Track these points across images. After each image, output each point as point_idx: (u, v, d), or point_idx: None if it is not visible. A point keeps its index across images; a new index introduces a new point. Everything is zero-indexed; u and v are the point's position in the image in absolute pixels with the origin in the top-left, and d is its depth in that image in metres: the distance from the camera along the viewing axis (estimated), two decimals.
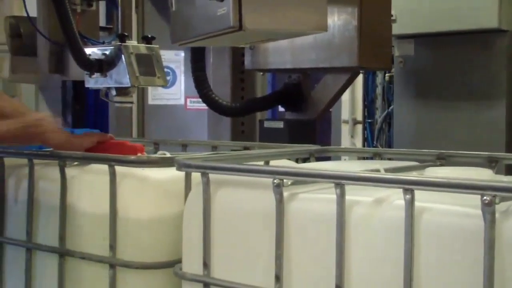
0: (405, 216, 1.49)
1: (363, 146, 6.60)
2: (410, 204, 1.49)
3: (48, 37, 3.18)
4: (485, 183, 1.38)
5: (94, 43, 3.11)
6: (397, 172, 1.98)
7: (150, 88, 6.36)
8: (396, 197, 1.57)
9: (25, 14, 3.33)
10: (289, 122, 4.03)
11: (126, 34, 2.92)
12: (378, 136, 6.21)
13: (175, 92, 6.95)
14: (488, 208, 1.37)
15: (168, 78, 5.98)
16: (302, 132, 3.94)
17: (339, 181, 1.59)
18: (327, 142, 6.46)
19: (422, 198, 1.51)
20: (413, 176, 1.59)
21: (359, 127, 6.90)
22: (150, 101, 6.75)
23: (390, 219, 1.55)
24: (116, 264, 2.14)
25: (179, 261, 1.98)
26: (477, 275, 1.39)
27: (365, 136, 6.66)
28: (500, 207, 1.39)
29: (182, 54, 6.77)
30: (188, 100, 6.91)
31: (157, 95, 6.76)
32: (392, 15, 3.74)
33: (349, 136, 7.02)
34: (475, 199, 1.39)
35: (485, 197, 1.36)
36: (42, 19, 3.26)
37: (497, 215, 1.38)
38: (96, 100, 8.40)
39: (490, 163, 2.20)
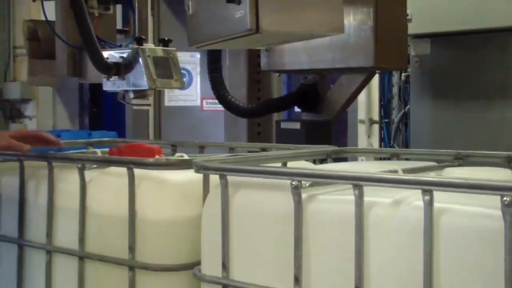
0: (424, 217, 1.49)
1: (380, 146, 6.58)
2: (429, 205, 1.49)
3: (66, 41, 3.19)
4: (505, 183, 1.38)
5: (111, 46, 3.13)
6: (415, 172, 1.98)
7: (166, 90, 6.39)
8: (414, 198, 1.57)
9: (42, 18, 3.35)
10: (306, 123, 4.03)
11: (143, 37, 2.93)
12: (395, 136, 6.19)
13: (191, 94, 6.98)
14: (508, 209, 1.36)
15: (184, 79, 6.00)
16: (318, 133, 3.94)
17: (358, 182, 1.60)
18: (344, 143, 6.46)
19: (441, 198, 1.51)
20: (431, 177, 1.59)
21: (376, 127, 6.88)
22: (167, 102, 6.78)
23: (409, 220, 1.55)
24: (135, 266, 2.15)
25: (198, 263, 2.00)
26: (497, 276, 1.39)
27: (382, 136, 6.64)
28: None
29: (198, 55, 6.79)
30: (204, 101, 6.94)
31: (173, 97, 6.79)
32: (407, 15, 3.73)
33: (366, 136, 7.01)
34: (494, 200, 1.39)
35: (505, 198, 1.36)
36: (61, 22, 3.28)
37: None
38: (113, 102, 8.46)
39: (509, 163, 2.20)
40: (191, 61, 6.87)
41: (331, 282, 1.68)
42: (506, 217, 1.37)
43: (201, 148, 3.04)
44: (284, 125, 4.10)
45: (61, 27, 3.24)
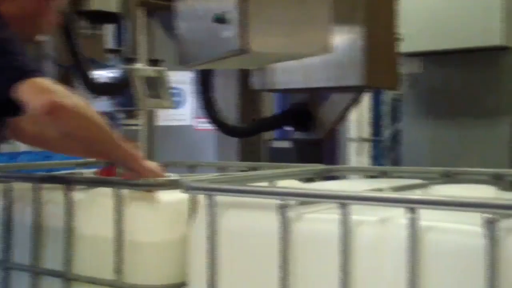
0: (408, 235, 1.49)
1: (371, 164, 6.59)
2: (412, 222, 1.49)
3: (55, 60, 3.20)
4: (486, 201, 1.38)
5: (101, 66, 3.13)
6: (401, 190, 1.98)
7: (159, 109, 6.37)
8: (401, 216, 1.56)
9: None
10: (297, 142, 4.03)
11: (133, 57, 2.94)
12: (385, 154, 6.21)
13: (184, 113, 6.94)
14: (489, 226, 1.37)
15: (177, 99, 6.00)
16: (310, 152, 3.95)
17: (343, 201, 1.60)
18: (335, 161, 6.45)
19: (428, 216, 1.51)
20: (415, 195, 1.60)
21: (366, 145, 6.90)
22: (159, 122, 6.74)
23: (394, 238, 1.55)
24: None
25: (185, 283, 1.99)
26: None
27: (373, 153, 6.66)
28: (505, 224, 1.39)
29: (191, 75, 6.77)
30: (197, 120, 6.91)
31: (165, 116, 6.75)
32: (399, 34, 3.75)
33: (356, 154, 7.02)
34: (480, 216, 1.39)
35: (485, 215, 1.36)
36: (50, 42, 3.28)
37: (501, 232, 1.38)
38: None
39: (496, 179, 2.20)
40: (183, 80, 6.85)
41: None
42: (487, 233, 1.37)
43: (192, 168, 3.03)
44: (275, 144, 4.11)
45: (51, 46, 3.25)
